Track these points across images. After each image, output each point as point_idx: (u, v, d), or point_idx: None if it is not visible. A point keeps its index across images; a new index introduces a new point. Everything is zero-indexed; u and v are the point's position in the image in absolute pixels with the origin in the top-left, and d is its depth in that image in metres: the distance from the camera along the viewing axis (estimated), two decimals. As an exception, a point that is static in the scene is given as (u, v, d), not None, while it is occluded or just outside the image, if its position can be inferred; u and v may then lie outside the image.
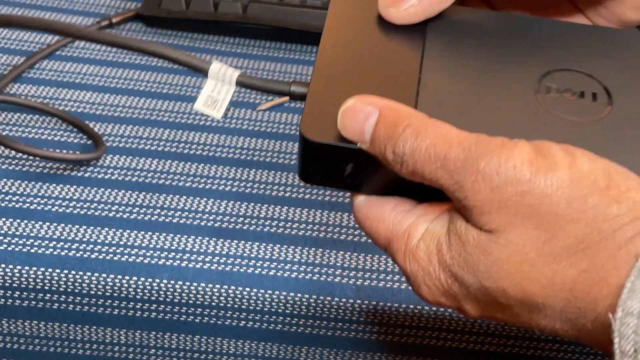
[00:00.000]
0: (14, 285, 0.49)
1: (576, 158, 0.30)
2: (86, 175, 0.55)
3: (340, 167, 0.33)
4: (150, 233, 0.51)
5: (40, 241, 0.50)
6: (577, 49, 0.37)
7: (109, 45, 0.37)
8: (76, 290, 0.49)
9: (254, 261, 0.51)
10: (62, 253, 0.50)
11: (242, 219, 0.53)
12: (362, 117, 0.32)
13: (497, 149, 0.30)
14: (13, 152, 0.56)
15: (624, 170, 0.30)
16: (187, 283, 0.49)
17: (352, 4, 0.39)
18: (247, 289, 0.49)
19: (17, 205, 0.52)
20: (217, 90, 0.36)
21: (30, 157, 0.56)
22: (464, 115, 0.34)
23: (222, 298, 0.49)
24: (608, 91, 0.35)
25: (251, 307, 0.50)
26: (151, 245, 0.51)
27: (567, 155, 0.30)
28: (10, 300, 0.50)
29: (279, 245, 0.52)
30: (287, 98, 0.64)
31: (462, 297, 0.32)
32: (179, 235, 0.52)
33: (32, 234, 0.50)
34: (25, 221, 0.51)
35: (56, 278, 0.49)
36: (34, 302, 0.50)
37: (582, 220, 0.29)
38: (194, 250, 0.51)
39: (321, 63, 0.36)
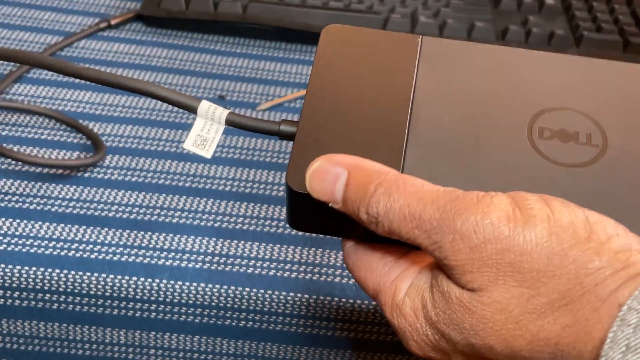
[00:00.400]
0: (14, 285, 0.49)
1: (554, 210, 0.29)
2: (86, 175, 0.55)
3: (325, 216, 0.33)
4: (150, 233, 0.51)
5: (40, 241, 0.50)
6: (571, 84, 0.36)
7: (95, 82, 0.36)
8: (76, 291, 0.49)
9: (253, 261, 0.50)
10: (62, 253, 0.50)
11: (242, 219, 0.53)
12: (330, 178, 0.32)
13: (472, 206, 0.29)
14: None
15: (603, 218, 0.30)
16: (187, 283, 0.49)
17: (342, 43, 0.38)
18: (247, 289, 0.49)
19: (17, 205, 0.52)
20: (206, 129, 0.35)
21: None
22: (454, 161, 0.33)
23: (222, 298, 0.49)
24: (603, 130, 0.35)
25: (251, 307, 0.50)
26: (151, 245, 0.51)
27: (545, 206, 0.29)
28: (10, 301, 0.50)
29: (278, 245, 0.52)
30: (287, 98, 0.64)
31: (451, 351, 0.32)
32: (179, 235, 0.52)
33: (32, 234, 0.50)
34: (25, 221, 0.51)
35: (56, 278, 0.49)
36: (33, 302, 0.50)
37: (563, 276, 0.28)
38: (194, 250, 0.51)
39: (309, 108, 0.35)
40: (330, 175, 0.32)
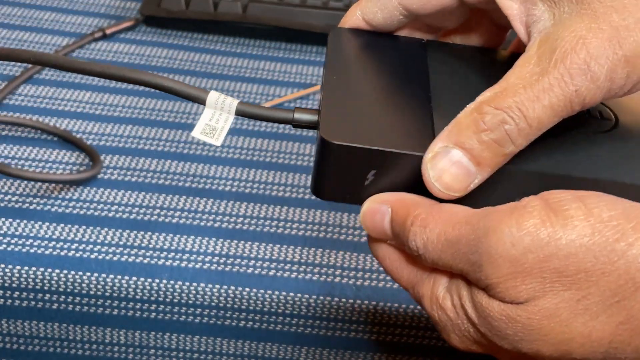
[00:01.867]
0: (14, 285, 0.49)
1: (591, 206, 0.28)
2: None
3: (362, 174, 0.32)
4: (150, 233, 0.51)
5: (40, 241, 0.50)
6: None
7: (102, 77, 0.35)
8: (76, 291, 0.49)
9: (253, 261, 0.50)
10: (62, 253, 0.50)
11: (242, 219, 0.53)
12: (379, 217, 0.32)
13: (506, 218, 0.28)
14: (13, 152, 0.56)
15: None
16: (187, 283, 0.49)
17: (352, 45, 0.38)
18: (247, 289, 0.49)
19: (17, 205, 0.52)
20: (215, 119, 0.34)
21: (30, 158, 0.56)
22: None
23: (222, 298, 0.49)
24: (613, 112, 0.35)
25: (251, 307, 0.50)
26: (151, 245, 0.51)
27: (581, 204, 0.28)
28: (10, 301, 0.50)
29: (279, 245, 0.52)
30: (287, 98, 0.64)
31: (495, 350, 0.31)
32: (179, 235, 0.52)
33: (32, 234, 0.50)
34: (25, 221, 0.51)
35: (56, 278, 0.49)
36: (33, 302, 0.50)
37: (613, 272, 0.28)
38: (194, 250, 0.51)
39: (331, 76, 0.35)
40: (379, 215, 0.32)
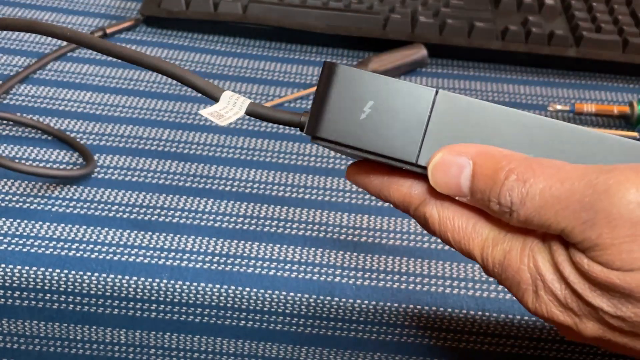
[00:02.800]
0: (14, 285, 0.49)
1: None
2: (86, 175, 0.55)
3: (360, 103, 0.32)
4: (150, 233, 0.51)
5: (40, 241, 0.50)
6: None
7: (124, 59, 0.36)
8: (76, 290, 0.49)
9: (254, 261, 0.51)
10: (62, 253, 0.50)
11: (242, 219, 0.53)
12: (455, 170, 0.30)
13: (633, 177, 0.27)
14: (13, 152, 0.56)
15: None
16: (187, 283, 0.49)
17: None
18: (247, 289, 0.49)
19: (17, 205, 0.52)
20: (226, 110, 0.35)
21: (25, 157, 0.56)
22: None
23: (222, 298, 0.49)
24: None
25: (251, 307, 0.50)
26: (151, 245, 0.51)
27: None
28: (10, 300, 0.50)
29: (279, 245, 0.52)
30: (287, 98, 0.64)
31: (584, 314, 0.29)
32: (179, 235, 0.52)
33: (32, 234, 0.50)
34: (25, 221, 0.51)
35: (56, 278, 0.49)
36: (34, 302, 0.50)
37: None
38: (194, 250, 0.51)
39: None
40: (454, 168, 0.30)
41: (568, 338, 0.32)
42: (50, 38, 0.68)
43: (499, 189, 0.29)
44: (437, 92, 0.32)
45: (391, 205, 0.55)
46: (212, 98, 0.35)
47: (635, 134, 0.63)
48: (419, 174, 0.33)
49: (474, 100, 0.32)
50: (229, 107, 0.35)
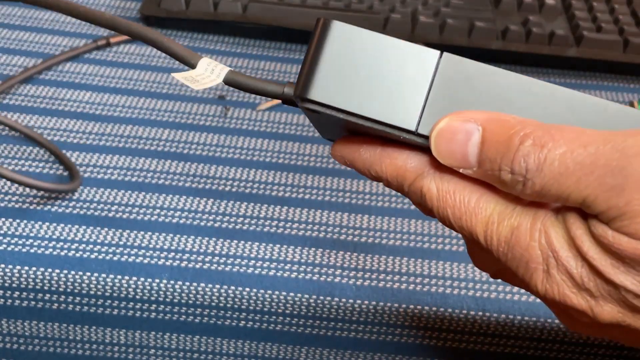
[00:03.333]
0: (14, 285, 0.49)
1: None
2: (86, 175, 0.55)
3: (360, 64, 0.29)
4: (150, 233, 0.51)
5: (39, 241, 0.50)
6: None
7: (86, 20, 0.34)
8: (76, 291, 0.49)
9: (254, 261, 0.50)
10: (62, 253, 0.50)
11: (242, 219, 0.53)
12: (461, 137, 0.27)
13: None
14: (12, 152, 0.56)
15: None
16: (187, 283, 0.49)
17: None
18: (247, 289, 0.49)
19: (17, 205, 0.52)
20: (202, 76, 0.32)
21: (30, 158, 0.56)
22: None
23: (222, 298, 0.49)
24: None
25: (251, 307, 0.50)
26: (151, 245, 0.51)
27: None
28: (10, 301, 0.50)
29: (279, 245, 0.52)
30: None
31: (602, 296, 0.27)
32: (178, 235, 0.52)
33: (31, 234, 0.50)
34: (25, 221, 0.51)
35: (56, 278, 0.49)
36: (33, 302, 0.50)
37: None
38: (194, 250, 0.51)
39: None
40: (461, 135, 0.27)
41: (575, 328, 0.30)
42: (52, 40, 0.68)
43: (512, 155, 0.26)
44: (441, 54, 0.29)
45: (386, 191, 0.55)
46: (189, 65, 0.32)
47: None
48: (418, 145, 0.30)
49: (482, 65, 0.29)
50: (207, 74, 0.32)
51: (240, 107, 0.63)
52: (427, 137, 0.28)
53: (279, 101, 0.63)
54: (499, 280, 0.51)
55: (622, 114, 0.28)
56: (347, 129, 0.32)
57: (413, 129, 0.29)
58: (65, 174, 0.55)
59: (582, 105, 0.29)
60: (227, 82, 0.32)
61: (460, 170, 0.28)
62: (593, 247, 0.26)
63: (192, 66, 0.32)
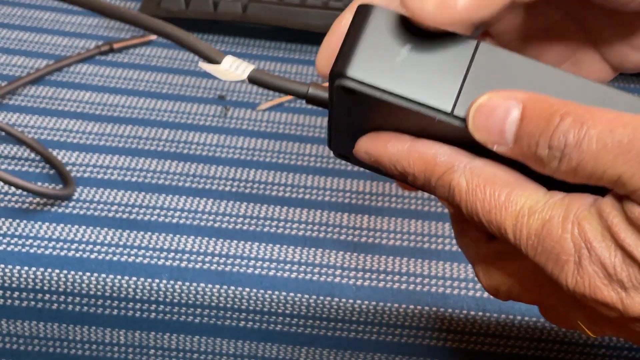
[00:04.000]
0: (14, 285, 0.49)
1: None
2: (85, 175, 0.55)
3: (399, 41, 0.29)
4: (150, 233, 0.51)
5: (40, 241, 0.50)
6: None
7: (123, 21, 0.34)
8: (75, 291, 0.49)
9: (253, 261, 0.50)
10: (62, 253, 0.50)
11: (242, 219, 0.53)
12: (500, 112, 0.27)
13: None
14: (12, 152, 0.56)
15: None
16: (187, 283, 0.49)
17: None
18: (247, 289, 0.49)
19: (16, 206, 0.52)
20: (227, 72, 0.33)
21: (30, 157, 0.56)
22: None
23: (222, 298, 0.49)
24: None
25: (251, 307, 0.49)
26: (151, 245, 0.51)
27: None
28: (10, 301, 0.50)
29: (279, 245, 0.52)
30: (287, 98, 0.64)
31: (634, 286, 0.27)
32: (178, 235, 0.51)
33: (32, 234, 0.50)
34: (25, 221, 0.51)
35: (55, 278, 0.49)
36: (33, 303, 0.50)
37: None
38: (194, 250, 0.51)
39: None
40: (500, 110, 0.27)
41: (598, 332, 0.29)
42: (52, 40, 0.68)
43: (551, 131, 0.26)
44: (478, 42, 0.30)
45: (386, 191, 0.55)
46: (213, 62, 0.33)
47: None
48: (449, 134, 0.30)
49: (517, 55, 0.29)
50: (231, 70, 0.33)
51: (240, 107, 0.63)
52: (462, 120, 0.29)
53: (279, 101, 0.63)
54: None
55: None
56: (374, 123, 0.32)
57: (449, 110, 0.29)
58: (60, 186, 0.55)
59: (615, 99, 0.29)
60: (252, 79, 0.32)
61: (494, 148, 0.28)
62: (630, 233, 0.26)
63: (217, 62, 0.33)
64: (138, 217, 0.52)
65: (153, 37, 0.69)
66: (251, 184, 0.56)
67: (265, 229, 0.53)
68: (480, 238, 0.33)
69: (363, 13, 0.30)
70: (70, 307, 0.50)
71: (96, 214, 0.52)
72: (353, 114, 0.32)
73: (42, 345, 0.52)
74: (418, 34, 0.30)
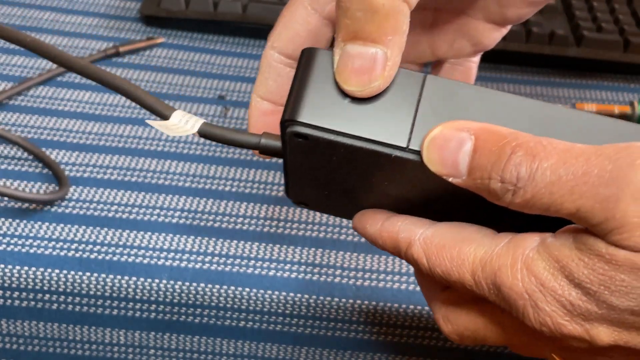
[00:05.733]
0: (14, 285, 0.49)
1: None
2: (85, 175, 0.55)
3: (336, 168, 0.30)
4: (150, 233, 0.51)
5: (40, 241, 0.50)
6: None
7: (79, 74, 0.34)
8: (75, 291, 0.49)
9: (253, 261, 0.50)
10: (62, 253, 0.50)
11: (242, 219, 0.53)
12: (454, 145, 0.27)
13: None
14: (12, 152, 0.56)
15: None
16: (187, 283, 0.49)
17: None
18: (247, 289, 0.49)
19: (16, 206, 0.52)
20: (176, 126, 0.32)
21: (23, 156, 0.56)
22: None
23: (221, 298, 0.49)
24: None
25: (251, 307, 0.49)
26: (151, 246, 0.51)
27: None
28: (10, 301, 0.50)
29: (278, 245, 0.52)
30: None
31: (596, 318, 0.27)
32: (178, 236, 0.51)
33: (31, 234, 0.50)
34: (25, 221, 0.51)
35: (55, 278, 0.49)
36: (33, 303, 0.50)
37: None
38: (194, 250, 0.51)
39: None
40: (453, 142, 0.27)
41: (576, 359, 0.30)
42: (52, 40, 0.68)
43: (503, 163, 0.26)
44: (425, 77, 0.30)
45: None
46: (162, 116, 0.32)
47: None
48: (410, 178, 0.30)
49: (464, 84, 0.29)
50: (181, 125, 0.32)
51: (240, 107, 0.63)
52: (418, 153, 0.29)
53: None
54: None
55: (612, 127, 0.29)
56: (329, 168, 0.32)
57: (404, 145, 0.29)
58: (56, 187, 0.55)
59: (570, 120, 0.29)
60: (202, 133, 0.32)
61: (450, 180, 0.28)
62: (582, 267, 0.26)
63: (166, 117, 0.32)
64: (138, 217, 0.52)
65: (160, 39, 0.69)
66: (251, 184, 0.56)
67: (265, 229, 0.53)
68: (444, 287, 0.33)
69: (307, 57, 0.30)
70: (70, 307, 0.50)
71: (96, 214, 0.52)
72: (308, 160, 0.31)
73: (42, 345, 0.52)
74: None
